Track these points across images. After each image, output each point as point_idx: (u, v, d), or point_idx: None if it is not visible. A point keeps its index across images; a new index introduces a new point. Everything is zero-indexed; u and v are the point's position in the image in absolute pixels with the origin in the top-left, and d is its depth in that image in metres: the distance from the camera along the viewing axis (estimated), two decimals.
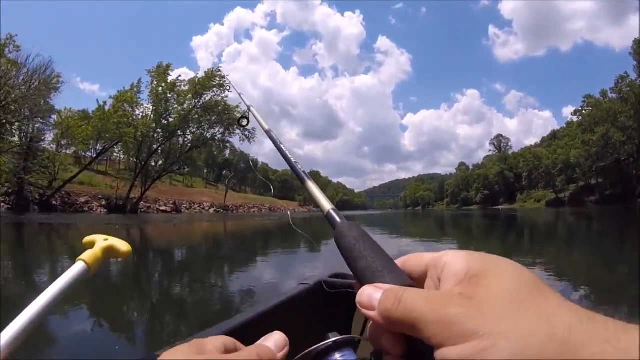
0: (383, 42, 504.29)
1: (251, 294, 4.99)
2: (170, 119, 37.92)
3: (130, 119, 35.99)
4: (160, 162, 40.90)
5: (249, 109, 1.06)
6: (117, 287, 5.44)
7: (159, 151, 39.45)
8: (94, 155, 42.40)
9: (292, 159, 0.65)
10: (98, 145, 34.80)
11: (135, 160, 38.85)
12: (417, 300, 0.27)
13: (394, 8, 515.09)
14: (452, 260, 0.30)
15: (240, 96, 1.26)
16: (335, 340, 0.33)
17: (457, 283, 0.28)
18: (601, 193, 73.04)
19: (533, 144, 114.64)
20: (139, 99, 38.30)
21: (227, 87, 38.04)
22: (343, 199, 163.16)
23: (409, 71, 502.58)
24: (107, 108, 36.12)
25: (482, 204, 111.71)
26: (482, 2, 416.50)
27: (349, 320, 1.31)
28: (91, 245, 0.49)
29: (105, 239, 0.51)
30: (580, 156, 70.00)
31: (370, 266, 0.35)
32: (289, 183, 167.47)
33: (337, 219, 0.44)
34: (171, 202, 48.12)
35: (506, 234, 16.15)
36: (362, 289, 0.32)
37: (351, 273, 1.25)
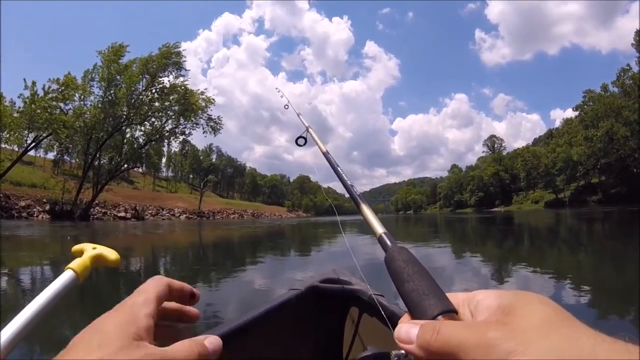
0: (371, 47, 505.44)
1: None
2: (119, 107, 31.86)
3: (70, 104, 30.24)
4: (119, 160, 34.69)
5: (307, 129, 1.06)
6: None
7: (109, 146, 33.37)
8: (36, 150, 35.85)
9: (348, 181, 0.66)
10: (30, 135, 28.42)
11: (83, 156, 32.88)
12: (455, 329, 0.30)
13: (381, 13, 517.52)
14: (485, 297, 0.33)
15: (299, 116, 1.28)
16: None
17: (492, 314, 0.31)
18: (604, 192, 68.83)
19: (521, 146, 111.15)
20: (91, 86, 32.52)
21: (185, 67, 32.85)
22: (334, 203, 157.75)
23: (398, 76, 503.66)
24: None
25: (477, 207, 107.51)
26: (469, 5, 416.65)
27: (340, 325, 1.41)
28: (80, 253, 0.48)
29: (94, 248, 0.49)
30: (584, 153, 65.68)
31: (417, 289, 0.36)
32: (278, 189, 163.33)
33: (388, 243, 0.45)
34: (132, 207, 42.05)
35: (516, 241, 13.29)
36: (398, 326, 0.34)
37: (343, 278, 1.48)
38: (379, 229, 0.47)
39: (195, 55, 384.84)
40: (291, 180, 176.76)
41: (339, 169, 0.75)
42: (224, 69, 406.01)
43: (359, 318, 1.45)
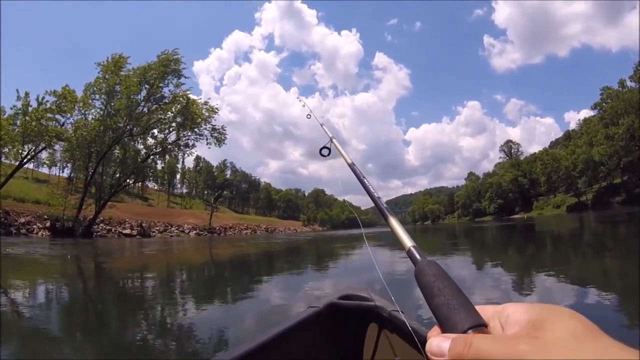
0: (380, 58, 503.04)
1: None
2: (117, 118, 31.08)
3: (70, 117, 29.85)
4: (121, 174, 33.83)
5: (331, 140, 1.05)
6: None
7: (111, 160, 32.76)
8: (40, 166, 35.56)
9: (375, 194, 0.65)
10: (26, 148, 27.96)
11: (85, 171, 32.27)
12: (487, 342, 0.30)
13: (388, 24, 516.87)
14: (515, 311, 0.34)
15: (322, 127, 1.27)
16: None
17: (522, 328, 0.31)
18: (628, 192, 65.46)
19: (537, 150, 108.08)
20: (93, 99, 32.09)
21: (184, 75, 32.04)
22: (349, 216, 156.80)
23: (409, 86, 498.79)
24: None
25: (497, 214, 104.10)
26: (476, 11, 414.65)
27: (360, 342, 1.42)
28: None
29: None
30: (605, 153, 62.84)
31: (447, 303, 0.37)
32: (293, 203, 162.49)
33: (418, 256, 0.44)
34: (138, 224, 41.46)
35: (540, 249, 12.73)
36: (430, 340, 0.35)
37: (361, 294, 1.52)
38: (408, 242, 0.47)
39: (208, 73, 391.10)
40: (306, 194, 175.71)
41: (365, 180, 0.72)
42: (236, 85, 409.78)
43: (379, 334, 1.43)
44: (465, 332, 0.34)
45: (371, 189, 0.67)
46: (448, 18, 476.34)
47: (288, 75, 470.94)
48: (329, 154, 1.04)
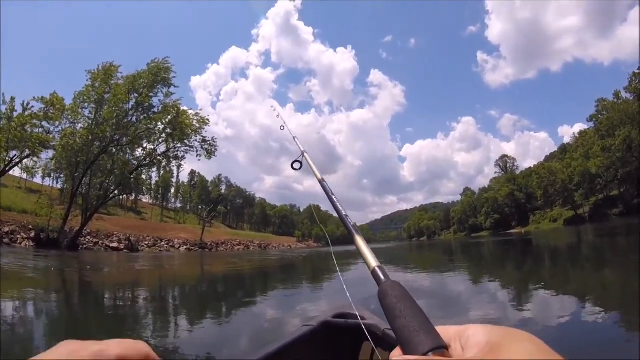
0: (376, 75, 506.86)
1: None
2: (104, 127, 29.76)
3: (59, 125, 28.67)
4: (108, 185, 32.41)
5: (302, 154, 1.06)
6: None
7: (99, 171, 31.52)
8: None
9: (342, 211, 0.66)
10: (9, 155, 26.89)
11: (72, 181, 30.89)
12: None
13: (383, 41, 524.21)
14: (475, 333, 0.34)
15: (294, 139, 1.28)
16: None
17: (480, 351, 0.32)
18: (626, 204, 64.85)
19: (532, 165, 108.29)
20: (82, 108, 31.00)
21: (174, 84, 31.00)
22: (345, 233, 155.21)
23: (404, 103, 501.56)
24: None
25: (493, 229, 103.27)
26: (469, 28, 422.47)
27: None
28: None
29: None
30: (602, 165, 62.45)
31: (408, 325, 0.37)
32: (288, 219, 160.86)
33: (382, 277, 0.45)
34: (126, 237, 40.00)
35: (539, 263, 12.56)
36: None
37: (355, 312, 1.46)
38: (373, 262, 0.47)
39: (205, 88, 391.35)
40: (301, 210, 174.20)
41: (333, 197, 0.72)
42: (233, 101, 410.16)
43: (372, 353, 1.41)
44: (425, 354, 0.34)
45: (339, 205, 0.67)
46: (442, 35, 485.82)
47: (284, 92, 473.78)
48: (300, 167, 1.03)
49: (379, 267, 0.46)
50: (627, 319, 4.18)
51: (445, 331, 0.37)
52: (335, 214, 0.67)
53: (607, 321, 4.18)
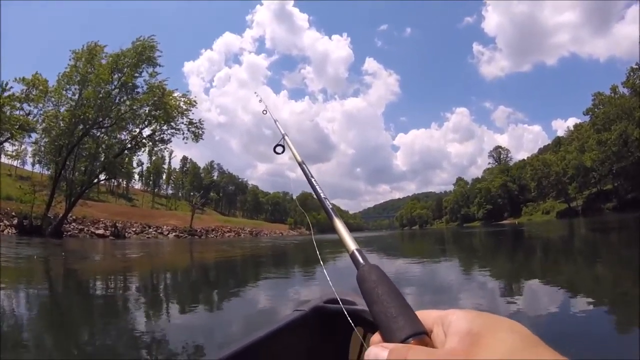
0: (371, 64, 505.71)
1: None
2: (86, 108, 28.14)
3: (39, 106, 27.32)
4: (93, 170, 31.17)
5: (283, 137, 1.06)
6: None
7: (83, 155, 30.21)
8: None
9: (321, 194, 0.65)
10: None
11: (54, 165, 29.69)
12: (421, 357, 0.31)
13: (379, 30, 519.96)
14: (457, 318, 0.33)
15: (275, 123, 1.27)
16: None
17: (461, 340, 0.31)
18: (619, 198, 64.89)
19: (525, 157, 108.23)
20: (65, 91, 29.48)
21: (159, 63, 29.59)
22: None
23: (398, 92, 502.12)
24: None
25: (485, 220, 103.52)
26: (466, 19, 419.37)
27: (345, 346, 1.41)
28: None
29: None
30: (597, 158, 62.12)
31: (386, 311, 0.36)
32: (280, 206, 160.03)
33: (361, 260, 0.44)
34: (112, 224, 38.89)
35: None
36: (369, 349, 0.34)
37: (347, 298, 1.43)
38: (352, 245, 0.46)
39: (198, 74, 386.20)
40: (294, 197, 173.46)
41: (313, 180, 0.72)
42: (226, 87, 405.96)
43: (364, 338, 1.30)
44: (404, 340, 0.33)
45: (318, 188, 0.66)
46: (438, 25, 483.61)
47: (278, 79, 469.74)
48: (283, 152, 1.03)
49: (357, 250, 0.45)
50: (615, 311, 4.29)
51: (427, 315, 0.37)
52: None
53: (596, 312, 4.23)
